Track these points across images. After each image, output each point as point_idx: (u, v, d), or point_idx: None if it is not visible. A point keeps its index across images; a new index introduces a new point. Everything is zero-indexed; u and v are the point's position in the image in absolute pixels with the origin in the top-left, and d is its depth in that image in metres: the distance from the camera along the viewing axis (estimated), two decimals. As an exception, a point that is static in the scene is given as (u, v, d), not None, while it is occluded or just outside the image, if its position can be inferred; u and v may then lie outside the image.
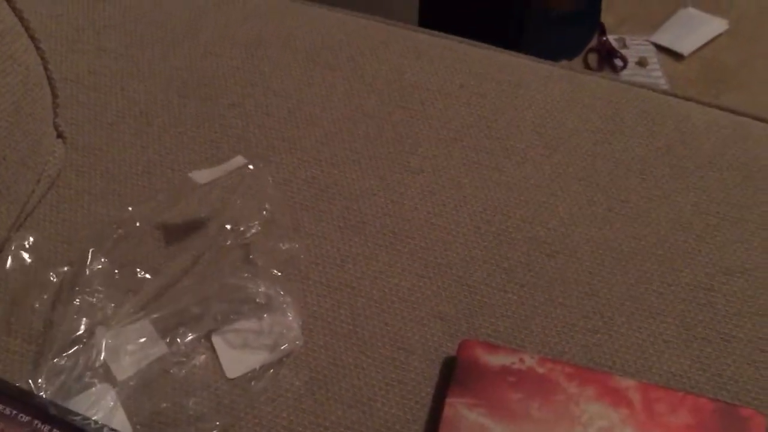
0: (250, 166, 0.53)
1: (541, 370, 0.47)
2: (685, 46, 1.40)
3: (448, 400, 0.46)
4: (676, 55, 1.41)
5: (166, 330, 0.49)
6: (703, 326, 0.52)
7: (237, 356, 0.48)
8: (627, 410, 0.45)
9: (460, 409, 0.46)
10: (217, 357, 0.49)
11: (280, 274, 0.50)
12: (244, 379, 0.48)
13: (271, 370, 0.49)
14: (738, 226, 0.57)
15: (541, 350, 0.51)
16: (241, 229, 0.51)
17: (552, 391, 0.47)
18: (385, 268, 0.54)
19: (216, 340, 0.49)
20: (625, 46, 1.40)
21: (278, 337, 0.49)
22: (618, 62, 1.36)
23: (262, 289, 0.49)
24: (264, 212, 0.51)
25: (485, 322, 0.52)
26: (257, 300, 0.49)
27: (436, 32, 0.71)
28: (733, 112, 0.65)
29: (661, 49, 1.41)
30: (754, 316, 0.52)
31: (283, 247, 0.51)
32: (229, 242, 0.50)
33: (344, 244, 0.55)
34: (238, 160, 0.53)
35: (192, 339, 0.49)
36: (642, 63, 1.36)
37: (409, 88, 0.65)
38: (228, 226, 0.50)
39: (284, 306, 0.50)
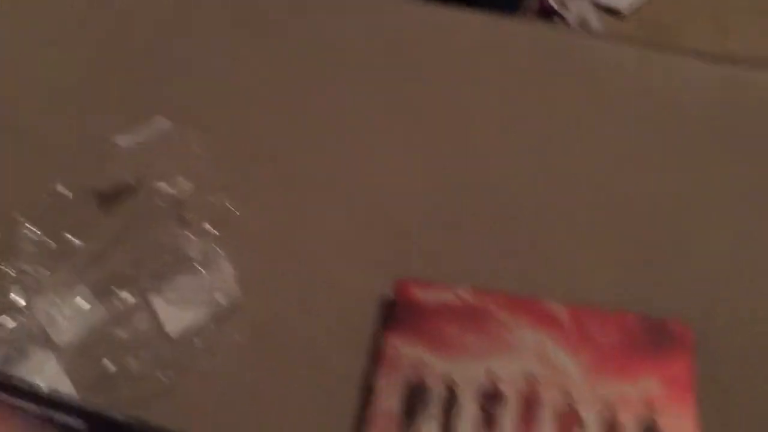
0: (174, 127, 0.53)
1: (475, 303, 0.49)
2: (623, 4, 1.41)
3: (388, 339, 0.47)
4: (615, 14, 1.42)
5: (104, 293, 0.48)
6: (628, 249, 0.54)
7: (176, 314, 0.48)
8: (558, 333, 0.47)
9: (399, 347, 0.47)
10: (157, 316, 0.49)
11: (213, 230, 0.51)
12: (185, 336, 0.49)
13: (212, 326, 0.49)
14: (660, 154, 0.59)
15: (474, 285, 0.52)
16: (170, 188, 0.51)
17: (486, 321, 0.48)
18: (320, 218, 0.55)
19: (155, 299, 0.49)
20: (563, 5, 1.40)
21: (216, 292, 0.49)
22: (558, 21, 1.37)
23: (196, 245, 0.49)
24: (191, 170, 0.51)
25: (420, 262, 0.53)
26: (192, 257, 0.49)
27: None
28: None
29: (600, 7, 1.41)
30: (676, 237, 0.54)
31: (215, 204, 0.51)
32: (159, 202, 0.50)
33: (278, 197, 0.56)
34: (162, 121, 0.53)
35: (130, 300, 0.49)
36: (583, 24, 1.37)
37: (333, 45, 0.65)
38: (156, 186, 0.50)
39: (220, 261, 0.50)
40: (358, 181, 0.57)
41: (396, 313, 0.49)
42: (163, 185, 0.51)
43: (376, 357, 0.48)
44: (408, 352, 0.47)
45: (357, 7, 0.68)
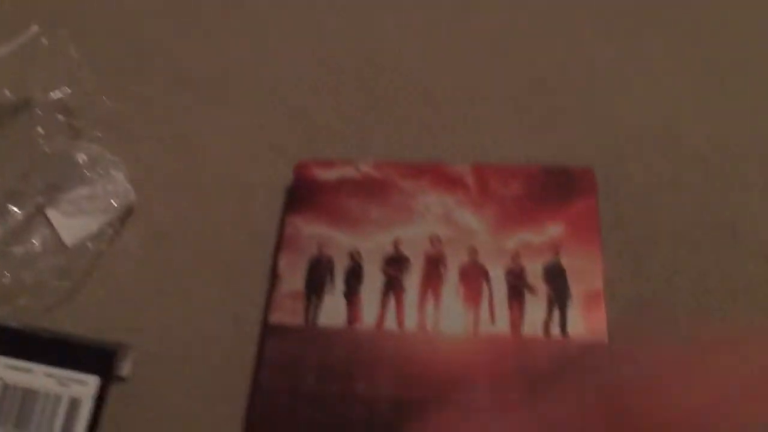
0: (47, 33, 0.50)
1: (376, 175, 0.47)
2: None
3: (288, 219, 0.46)
4: None
5: (-1, 212, 0.47)
6: (531, 103, 0.52)
7: (73, 224, 0.47)
8: (462, 193, 0.46)
9: (299, 225, 0.46)
10: (54, 229, 0.47)
11: (101, 135, 0.49)
12: (83, 244, 0.47)
13: (110, 230, 0.48)
14: (564, 20, 0.57)
15: (379, 159, 0.50)
16: (51, 96, 0.48)
17: (388, 191, 0.47)
18: (216, 114, 0.53)
19: (50, 212, 0.48)
20: None
21: (111, 197, 0.47)
22: None
23: (86, 153, 0.48)
24: (71, 76, 0.48)
25: (323, 145, 0.52)
26: (83, 165, 0.47)
27: None
28: None
29: None
30: (580, 86, 0.53)
31: (99, 107, 0.49)
32: (40, 112, 0.48)
33: (170, 97, 0.53)
34: (33, 29, 0.50)
35: (25, 215, 0.47)
36: None
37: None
38: (37, 96, 0.48)
39: (113, 166, 0.48)
40: (256, 73, 0.55)
41: (297, 194, 0.47)
42: (43, 94, 0.49)
43: (278, 240, 0.47)
44: (310, 230, 0.46)
45: None
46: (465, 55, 0.54)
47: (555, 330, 0.40)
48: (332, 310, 0.42)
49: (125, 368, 0.43)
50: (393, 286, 0.43)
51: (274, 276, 0.45)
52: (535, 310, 0.41)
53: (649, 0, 0.56)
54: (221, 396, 0.43)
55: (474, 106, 0.52)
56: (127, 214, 0.48)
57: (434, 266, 0.43)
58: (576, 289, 0.41)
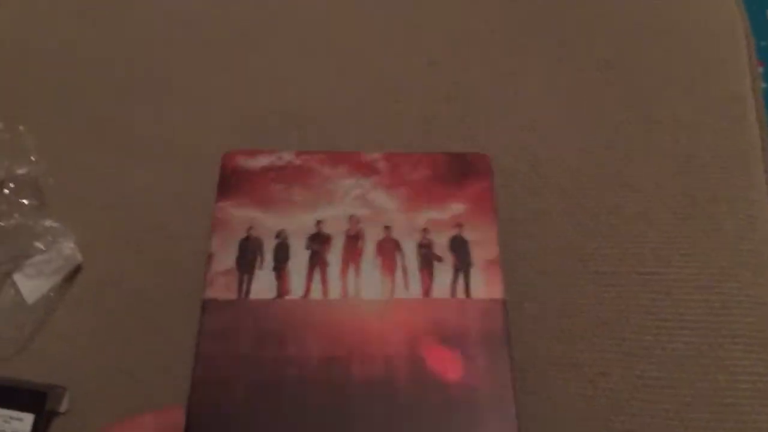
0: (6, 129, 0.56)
1: (298, 162, 0.52)
2: None
3: (217, 205, 0.50)
4: None
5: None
6: (430, 99, 0.59)
7: (33, 284, 0.54)
8: (376, 177, 0.52)
9: (228, 210, 0.50)
10: (19, 291, 0.54)
11: (52, 207, 0.55)
12: (41, 300, 0.53)
13: (61, 287, 0.54)
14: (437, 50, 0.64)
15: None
16: (7, 178, 0.54)
17: (310, 176, 0.52)
18: (154, 175, 0.58)
19: (16, 275, 0.54)
20: None
21: (62, 260, 0.54)
22: None
23: (40, 225, 0.54)
24: (26, 159, 0.55)
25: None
26: (39, 234, 0.54)
27: None
28: None
29: None
30: (487, 76, 0.60)
31: (53, 183, 0.55)
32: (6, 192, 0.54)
33: (112, 164, 0.58)
34: None
35: None
36: None
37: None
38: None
39: (62, 234, 0.55)
40: (187, 133, 0.59)
41: (224, 181, 0.51)
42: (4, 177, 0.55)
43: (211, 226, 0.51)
44: (236, 212, 0.50)
45: None
46: (366, 53, 0.60)
47: (460, 293, 0.47)
48: (263, 284, 0.47)
49: (63, 405, 0.50)
50: (317, 261, 0.48)
51: (207, 256, 0.49)
52: (443, 276, 0.47)
53: (524, 25, 0.63)
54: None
55: (384, 99, 0.58)
56: (75, 271, 0.55)
57: (353, 242, 0.49)
58: (476, 257, 0.48)
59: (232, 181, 0.51)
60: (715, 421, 0.47)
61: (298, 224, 0.50)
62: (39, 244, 0.52)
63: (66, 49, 0.63)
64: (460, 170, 0.52)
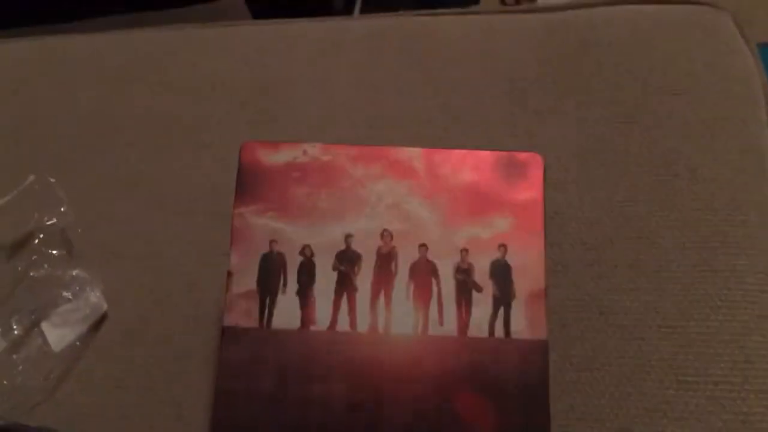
0: (37, 178, 0.56)
1: (325, 158, 0.46)
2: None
3: (236, 211, 0.45)
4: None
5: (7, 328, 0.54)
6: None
7: (60, 333, 0.54)
8: (412, 181, 0.46)
9: (248, 218, 0.45)
10: (46, 339, 0.54)
11: (81, 258, 0.55)
12: (67, 349, 0.53)
13: (87, 336, 0.54)
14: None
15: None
16: (39, 231, 0.55)
17: (338, 178, 0.46)
18: (182, 227, 0.55)
19: (44, 324, 0.54)
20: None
21: (88, 309, 0.54)
22: None
23: (68, 275, 0.55)
24: (56, 212, 0.56)
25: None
26: (67, 283, 0.55)
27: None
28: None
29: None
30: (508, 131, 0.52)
31: (82, 236, 0.56)
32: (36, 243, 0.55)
33: (141, 218, 0.57)
34: (30, 178, 0.56)
35: (24, 329, 0.54)
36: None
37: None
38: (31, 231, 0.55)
39: (89, 284, 0.55)
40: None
41: (242, 181, 0.46)
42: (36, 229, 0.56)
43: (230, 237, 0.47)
44: (257, 221, 0.45)
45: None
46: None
47: (499, 331, 0.43)
48: (286, 311, 0.43)
49: None
50: (345, 284, 0.44)
51: (227, 274, 0.45)
52: (481, 309, 0.43)
53: (547, 79, 0.58)
54: None
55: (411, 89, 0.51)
56: (101, 320, 0.54)
57: (386, 263, 0.44)
58: (520, 288, 0.43)
59: (251, 180, 0.46)
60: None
61: (324, 238, 0.45)
62: (66, 294, 0.53)
63: (96, 103, 0.63)
64: (509, 172, 0.46)
